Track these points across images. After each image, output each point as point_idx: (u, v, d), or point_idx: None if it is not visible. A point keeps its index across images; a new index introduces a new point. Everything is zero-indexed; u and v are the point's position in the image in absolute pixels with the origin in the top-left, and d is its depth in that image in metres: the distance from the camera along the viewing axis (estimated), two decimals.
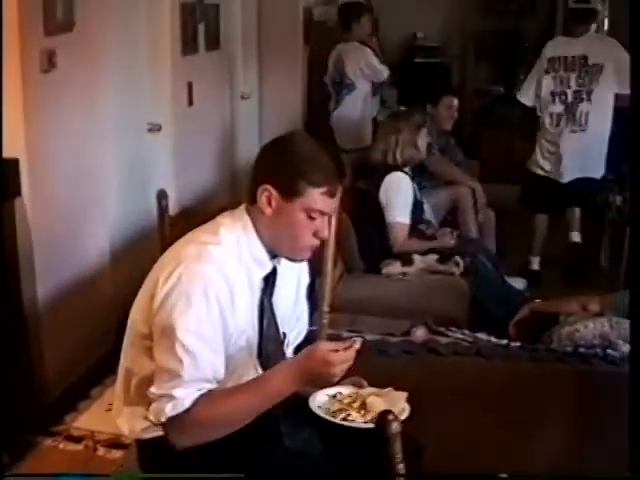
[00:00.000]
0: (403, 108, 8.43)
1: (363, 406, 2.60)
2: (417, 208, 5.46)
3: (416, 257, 5.28)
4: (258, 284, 2.65)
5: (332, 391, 2.68)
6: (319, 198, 2.55)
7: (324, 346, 2.49)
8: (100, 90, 4.79)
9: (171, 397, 2.43)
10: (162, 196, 3.54)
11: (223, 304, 2.51)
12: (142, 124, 5.53)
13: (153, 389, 2.46)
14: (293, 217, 2.57)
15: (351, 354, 2.47)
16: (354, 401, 2.64)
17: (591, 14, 6.74)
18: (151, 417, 2.50)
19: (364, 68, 7.64)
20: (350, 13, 7.79)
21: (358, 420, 2.54)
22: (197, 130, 6.20)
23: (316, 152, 2.59)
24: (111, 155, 5.00)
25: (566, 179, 6.59)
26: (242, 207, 2.66)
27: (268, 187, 2.56)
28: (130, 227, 5.32)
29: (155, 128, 5.56)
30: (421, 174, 6.10)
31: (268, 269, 2.67)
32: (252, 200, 2.62)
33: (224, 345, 2.53)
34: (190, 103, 6.01)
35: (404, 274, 5.18)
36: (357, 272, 5.26)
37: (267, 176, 2.58)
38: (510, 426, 3.53)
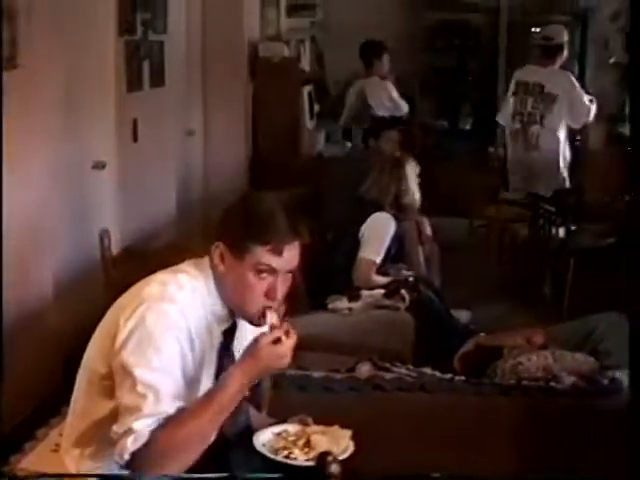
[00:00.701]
0: (349, 144, 8.54)
1: (307, 444, 2.60)
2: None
3: (363, 292, 5.29)
4: (217, 337, 2.66)
5: (278, 429, 2.70)
6: (266, 255, 2.53)
7: (266, 340, 2.49)
8: (43, 128, 4.76)
9: (131, 430, 2.41)
10: (104, 235, 3.54)
11: (184, 346, 2.51)
12: (87, 161, 5.50)
13: (115, 427, 2.45)
14: (243, 276, 2.55)
15: (293, 338, 2.51)
16: (299, 439, 2.64)
17: (555, 50, 7.33)
18: (117, 459, 2.45)
19: (385, 102, 7.84)
20: (372, 51, 8.45)
21: (300, 458, 2.54)
22: (142, 167, 6.18)
23: (267, 210, 2.59)
24: (55, 193, 4.97)
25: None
26: (206, 259, 2.66)
27: (220, 244, 2.58)
28: (74, 265, 5.28)
29: (99, 165, 5.53)
30: None
31: (227, 324, 2.67)
32: (210, 253, 2.63)
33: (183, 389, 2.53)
34: (135, 139, 6.00)
35: (350, 309, 5.18)
36: (303, 308, 5.25)
37: (220, 234, 2.61)
38: (456, 460, 3.55)
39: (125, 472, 2.45)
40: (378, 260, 5.38)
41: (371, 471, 2.78)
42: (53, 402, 4.07)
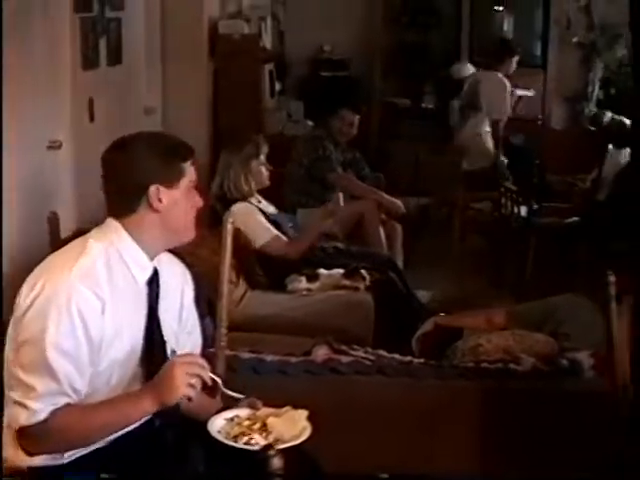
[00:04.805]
0: (310, 122, 8.47)
1: (264, 428, 2.55)
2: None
3: (322, 272, 5.24)
4: (142, 290, 2.65)
5: (229, 414, 2.65)
6: (191, 169, 2.69)
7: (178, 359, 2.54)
8: None
9: (25, 407, 2.43)
10: (52, 218, 3.46)
11: (88, 317, 2.48)
12: (42, 141, 5.40)
13: (12, 393, 2.47)
14: (181, 200, 2.67)
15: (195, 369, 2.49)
16: (254, 423, 2.59)
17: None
18: (6, 419, 2.50)
19: (494, 101, 7.99)
20: (506, 49, 8.43)
21: (261, 443, 2.49)
22: (99, 147, 6.06)
23: (165, 137, 2.86)
24: (9, 173, 4.87)
25: None
26: (108, 219, 2.69)
27: (154, 186, 2.61)
28: (27, 247, 5.18)
29: (55, 145, 5.43)
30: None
31: (149, 271, 2.67)
32: (125, 211, 2.65)
33: (94, 357, 2.51)
34: (91, 119, 5.90)
35: (309, 290, 5.13)
36: (261, 289, 5.18)
37: (147, 178, 2.62)
38: (414, 444, 3.52)
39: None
40: (274, 234, 5.16)
41: (328, 455, 2.75)
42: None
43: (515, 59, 8.18)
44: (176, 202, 2.64)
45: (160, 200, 2.62)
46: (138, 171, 2.64)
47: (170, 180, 2.63)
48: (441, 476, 3.27)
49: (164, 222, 2.65)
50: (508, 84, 8.05)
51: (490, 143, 8.00)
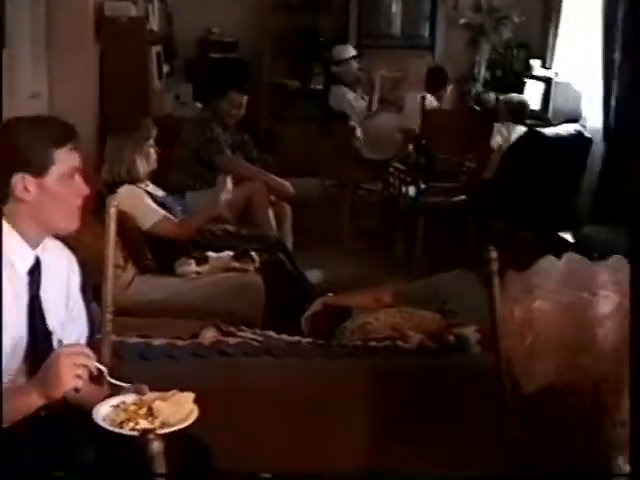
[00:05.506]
0: (199, 104, 8.41)
1: (150, 412, 2.53)
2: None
3: (211, 255, 5.21)
4: (23, 280, 2.58)
5: (115, 401, 2.60)
6: (69, 155, 2.56)
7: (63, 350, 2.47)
8: None
9: None
10: None
11: None
12: None
13: None
14: (55, 188, 2.55)
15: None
16: (140, 408, 2.55)
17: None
18: None
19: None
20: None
21: (148, 428, 2.47)
22: None
23: (40, 120, 2.68)
24: None
25: None
26: None
27: (18, 175, 2.52)
28: None
29: None
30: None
31: (30, 261, 2.60)
32: (1, 199, 2.55)
33: None
34: None
35: (198, 273, 5.10)
36: (150, 273, 5.13)
37: (11, 167, 2.53)
38: (304, 424, 3.52)
39: None
40: (162, 215, 5.12)
41: (217, 438, 2.74)
42: None
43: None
44: (47, 191, 2.54)
45: (27, 189, 2.53)
46: (3, 159, 2.55)
47: (38, 168, 2.53)
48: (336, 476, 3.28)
49: (36, 212, 2.56)
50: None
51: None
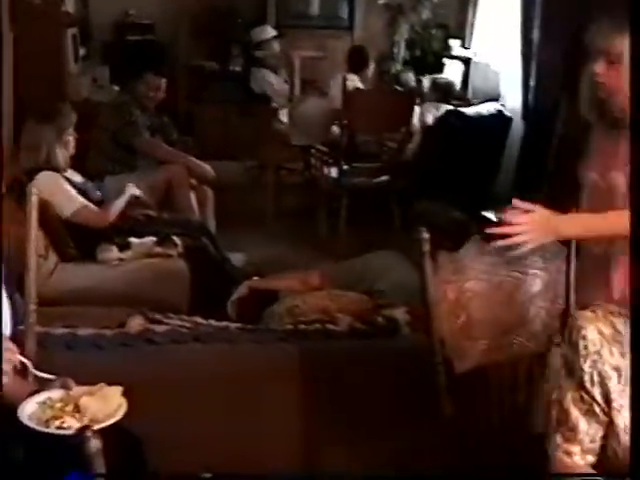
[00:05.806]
0: (116, 87, 8.29)
1: (77, 409, 2.46)
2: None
3: (133, 241, 5.13)
4: None
5: (41, 398, 2.53)
6: None
7: None
8: None
9: None
10: None
11: None
12: None
13: None
14: None
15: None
16: (66, 405, 2.48)
17: None
18: None
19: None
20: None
21: (74, 426, 2.38)
22: None
23: None
24: None
25: None
26: None
27: None
28: None
29: None
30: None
31: None
32: None
33: None
34: None
35: (121, 259, 5.02)
36: (73, 261, 5.02)
37: None
38: (235, 409, 3.49)
39: None
40: (82, 202, 4.98)
41: (149, 429, 2.69)
42: None
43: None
44: None
45: None
46: None
47: None
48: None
49: None
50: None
51: None
